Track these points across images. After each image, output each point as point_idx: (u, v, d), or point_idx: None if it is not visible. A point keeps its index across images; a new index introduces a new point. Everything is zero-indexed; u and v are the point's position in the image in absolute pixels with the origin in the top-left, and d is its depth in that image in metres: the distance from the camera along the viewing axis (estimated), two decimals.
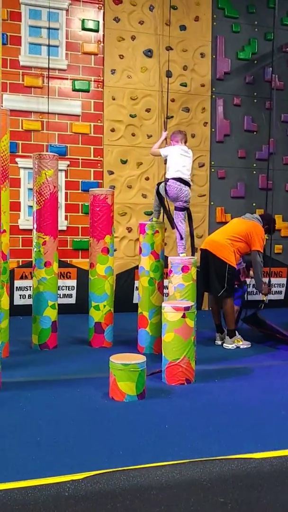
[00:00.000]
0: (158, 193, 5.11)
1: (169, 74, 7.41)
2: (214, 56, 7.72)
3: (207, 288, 5.48)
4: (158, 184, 5.13)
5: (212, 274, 5.28)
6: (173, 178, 4.94)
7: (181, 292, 4.53)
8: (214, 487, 2.42)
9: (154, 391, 3.74)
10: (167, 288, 4.84)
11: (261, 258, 5.32)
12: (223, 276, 5.18)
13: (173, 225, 5.06)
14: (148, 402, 3.55)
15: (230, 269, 5.19)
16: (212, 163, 7.76)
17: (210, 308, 5.72)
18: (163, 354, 4.06)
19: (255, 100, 7.94)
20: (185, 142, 5.14)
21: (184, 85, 7.58)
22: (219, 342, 5.42)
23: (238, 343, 5.30)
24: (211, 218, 7.75)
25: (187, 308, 3.99)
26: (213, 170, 7.77)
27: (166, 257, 5.13)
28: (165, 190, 5.00)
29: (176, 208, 5.04)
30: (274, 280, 8.03)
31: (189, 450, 2.75)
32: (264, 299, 5.58)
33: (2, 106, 4.41)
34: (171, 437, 2.96)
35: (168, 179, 4.97)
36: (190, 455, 2.68)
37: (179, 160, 4.96)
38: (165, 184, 5.00)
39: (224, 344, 5.31)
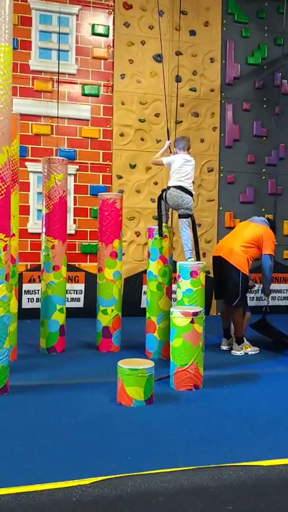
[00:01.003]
0: (159, 199, 5.09)
1: (178, 79, 7.42)
2: (223, 61, 7.72)
3: (221, 296, 5.42)
4: (163, 191, 5.11)
5: (226, 282, 5.22)
6: (174, 186, 4.95)
7: (190, 297, 4.51)
8: (222, 495, 2.40)
9: (162, 396, 3.72)
10: (175, 293, 4.83)
11: (273, 262, 5.29)
12: (237, 284, 5.14)
13: (161, 234, 5.03)
14: (156, 407, 3.54)
15: (243, 277, 5.16)
16: (221, 168, 7.75)
17: (220, 313, 5.69)
18: (171, 360, 4.05)
19: (265, 105, 7.93)
20: (188, 149, 5.11)
21: (193, 90, 7.58)
22: (225, 348, 5.39)
23: (246, 349, 5.27)
24: (220, 223, 7.73)
25: (195, 314, 3.97)
26: (222, 175, 7.75)
27: (175, 262, 5.12)
28: (166, 197, 5.02)
29: (180, 216, 5.02)
30: (283, 286, 8.00)
31: (197, 457, 2.73)
32: (267, 301, 5.55)
33: (12, 110, 4.42)
34: (179, 443, 2.94)
35: (170, 187, 4.98)
36: (198, 461, 2.66)
37: (182, 169, 4.98)
38: (166, 192, 5.01)
39: (232, 351, 5.27)
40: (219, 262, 5.29)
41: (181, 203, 4.95)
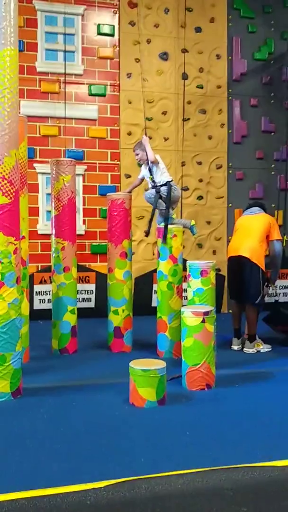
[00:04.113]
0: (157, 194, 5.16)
1: (185, 77, 7.40)
2: (230, 57, 7.69)
3: (240, 297, 5.35)
4: (159, 186, 5.16)
5: (247, 281, 5.16)
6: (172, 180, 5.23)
7: (200, 297, 4.49)
8: (237, 496, 2.39)
9: (175, 396, 3.72)
10: (186, 291, 4.81)
11: (282, 247, 5.26)
12: (258, 282, 5.10)
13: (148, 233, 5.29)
14: (169, 408, 3.53)
15: (263, 274, 5.15)
16: (230, 164, 7.71)
17: (231, 313, 5.64)
18: (183, 359, 4.04)
19: (272, 101, 7.87)
20: None
21: (200, 87, 7.55)
22: (236, 348, 5.34)
23: (258, 347, 5.25)
24: (230, 220, 7.70)
25: (206, 313, 3.96)
26: (230, 171, 7.72)
27: (185, 260, 5.11)
28: (168, 194, 5.05)
29: (166, 213, 5.06)
30: None
31: (211, 458, 2.73)
32: (274, 291, 5.52)
33: (19, 112, 4.44)
34: (192, 444, 2.94)
35: (170, 181, 5.14)
36: (212, 462, 2.65)
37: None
38: (168, 187, 5.10)
39: (244, 349, 5.25)
40: (240, 262, 5.21)
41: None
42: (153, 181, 5.20)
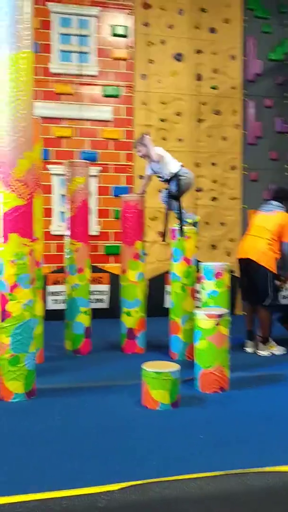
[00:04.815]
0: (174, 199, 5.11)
1: (199, 78, 7.38)
2: (245, 58, 7.64)
3: (250, 298, 5.35)
4: (169, 191, 5.11)
5: (255, 283, 5.14)
6: (182, 166, 5.13)
7: (215, 299, 4.47)
8: (249, 501, 2.38)
9: (188, 399, 3.71)
10: (199, 293, 4.79)
11: None
12: (267, 285, 5.07)
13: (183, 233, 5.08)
14: (182, 411, 3.53)
15: (272, 275, 5.09)
16: (244, 165, 7.67)
17: (244, 314, 5.62)
18: (196, 362, 4.03)
19: (287, 101, 7.81)
20: None
21: (214, 88, 7.52)
22: (249, 350, 5.31)
23: (272, 349, 5.21)
24: (244, 221, 7.65)
25: (220, 316, 3.94)
26: (245, 172, 7.68)
27: (198, 262, 5.09)
28: (177, 188, 5.00)
29: (179, 206, 5.05)
30: None
31: (224, 462, 2.71)
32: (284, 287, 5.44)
33: (34, 114, 4.47)
34: (206, 447, 2.93)
35: (178, 171, 5.05)
36: (225, 466, 2.64)
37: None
38: (176, 180, 5.00)
39: (258, 351, 5.22)
40: (248, 264, 5.19)
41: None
42: (161, 177, 5.18)
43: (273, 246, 5.11)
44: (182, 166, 5.14)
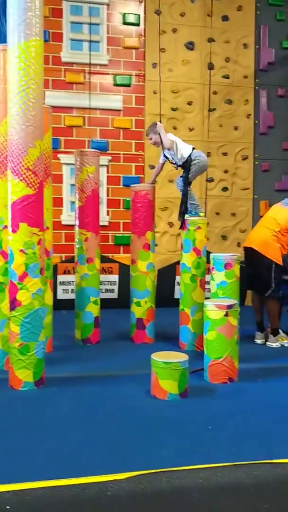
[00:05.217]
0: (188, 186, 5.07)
1: (211, 66, 7.30)
2: (257, 46, 7.55)
3: (253, 287, 5.35)
4: (184, 178, 5.07)
5: (258, 273, 5.12)
6: (193, 148, 5.10)
7: (224, 290, 4.45)
8: (258, 492, 2.37)
9: (197, 390, 3.70)
10: (209, 284, 4.77)
11: None
12: (270, 276, 5.04)
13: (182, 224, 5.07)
14: (191, 401, 3.52)
15: (277, 267, 5.05)
16: (256, 155, 7.60)
17: (252, 306, 5.58)
18: (205, 352, 4.02)
19: None
20: None
21: (226, 77, 7.44)
22: (259, 341, 5.27)
23: (282, 341, 5.18)
24: (255, 212, 7.61)
25: (230, 307, 3.92)
26: (256, 162, 7.61)
27: (209, 253, 5.07)
28: (189, 168, 4.97)
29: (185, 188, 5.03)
30: None
31: (233, 453, 2.71)
32: None
33: (44, 103, 4.47)
34: (214, 438, 2.92)
35: (192, 152, 5.03)
36: (234, 457, 2.63)
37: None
38: (191, 160, 4.98)
39: (267, 343, 5.20)
40: (251, 254, 5.18)
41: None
42: (175, 163, 5.16)
43: (279, 237, 5.04)
44: (193, 149, 5.11)
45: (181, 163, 5.09)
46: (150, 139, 5.24)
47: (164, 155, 5.23)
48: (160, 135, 5.11)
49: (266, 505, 2.28)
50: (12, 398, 3.55)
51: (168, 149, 5.09)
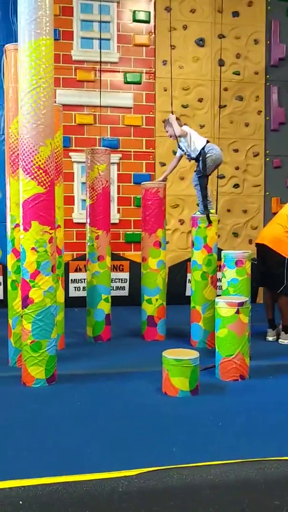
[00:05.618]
0: (202, 180, 5.05)
1: (221, 63, 7.27)
2: (268, 42, 7.50)
3: (265, 284, 5.34)
4: (200, 174, 5.05)
5: (270, 270, 5.11)
6: (207, 141, 5.11)
7: (235, 287, 4.45)
8: (269, 489, 2.38)
9: (208, 387, 3.71)
10: (221, 281, 4.77)
11: None
12: (282, 272, 5.02)
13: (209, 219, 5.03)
14: (202, 398, 3.53)
15: None
16: (267, 152, 7.57)
17: (264, 303, 5.57)
18: (216, 350, 4.02)
19: None
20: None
21: (237, 73, 7.41)
22: (271, 338, 5.26)
23: None
24: (267, 209, 7.58)
25: (241, 304, 3.92)
26: (268, 159, 7.58)
27: (220, 250, 5.06)
28: (204, 161, 4.95)
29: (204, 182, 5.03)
30: None
31: (243, 450, 2.71)
32: None
33: (55, 101, 4.50)
34: (225, 435, 2.93)
35: (205, 145, 5.02)
36: (244, 454, 2.64)
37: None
38: (205, 154, 4.97)
39: (279, 340, 5.18)
40: (263, 250, 5.17)
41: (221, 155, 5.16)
42: (189, 155, 5.17)
43: None
44: (208, 142, 5.11)
45: (194, 155, 5.09)
46: (167, 131, 5.32)
47: (179, 147, 5.23)
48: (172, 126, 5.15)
49: (277, 502, 2.28)
50: (25, 394, 3.59)
51: (180, 137, 5.13)
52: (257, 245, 5.30)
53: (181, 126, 5.21)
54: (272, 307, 5.30)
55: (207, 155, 5.00)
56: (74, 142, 7.00)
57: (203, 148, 5.02)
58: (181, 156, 5.37)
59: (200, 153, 5.03)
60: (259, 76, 7.49)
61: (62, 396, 3.57)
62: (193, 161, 5.26)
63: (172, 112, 5.43)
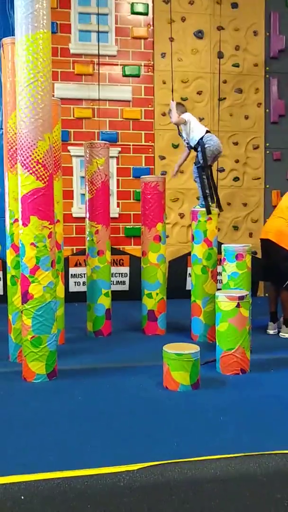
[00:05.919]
0: (201, 171, 5.01)
1: (220, 55, 7.23)
2: (267, 34, 7.45)
3: (269, 279, 5.32)
4: (198, 164, 5.02)
5: (275, 264, 5.08)
6: (207, 131, 5.04)
7: (235, 281, 4.43)
8: (271, 483, 2.37)
9: (209, 381, 3.71)
10: (221, 275, 4.76)
11: None
12: (286, 267, 5.00)
13: (220, 207, 5.02)
14: (203, 392, 3.53)
15: None
16: (267, 144, 7.54)
17: (267, 296, 5.56)
18: (217, 344, 4.02)
19: None
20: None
21: (236, 65, 7.36)
22: (271, 332, 5.25)
23: None
24: (267, 202, 7.56)
25: (241, 298, 3.91)
26: (268, 152, 7.55)
27: (220, 244, 5.05)
28: (205, 150, 4.92)
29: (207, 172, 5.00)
30: None
31: (245, 443, 2.71)
32: None
33: (53, 95, 4.47)
34: (226, 429, 2.93)
35: (204, 135, 4.98)
36: (245, 448, 2.64)
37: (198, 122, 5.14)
38: (203, 144, 4.93)
39: (280, 333, 5.18)
40: (268, 245, 5.15)
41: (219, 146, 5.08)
42: (188, 144, 5.14)
43: None
44: (207, 131, 5.06)
45: (192, 144, 5.07)
46: (171, 118, 5.26)
47: (180, 134, 5.21)
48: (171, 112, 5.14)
49: (278, 495, 2.28)
50: (26, 390, 3.59)
51: (176, 124, 5.12)
52: (262, 240, 5.29)
53: (183, 112, 5.16)
54: (276, 301, 5.30)
55: (206, 146, 4.97)
56: (73, 136, 6.97)
57: (201, 138, 4.99)
58: (189, 151, 5.33)
59: (198, 142, 5.00)
60: (258, 68, 7.45)
61: (63, 391, 3.57)
62: (192, 155, 5.23)
63: (172, 99, 5.38)
